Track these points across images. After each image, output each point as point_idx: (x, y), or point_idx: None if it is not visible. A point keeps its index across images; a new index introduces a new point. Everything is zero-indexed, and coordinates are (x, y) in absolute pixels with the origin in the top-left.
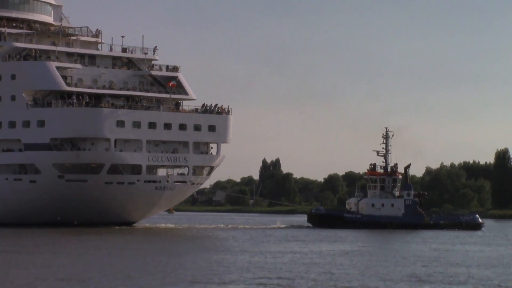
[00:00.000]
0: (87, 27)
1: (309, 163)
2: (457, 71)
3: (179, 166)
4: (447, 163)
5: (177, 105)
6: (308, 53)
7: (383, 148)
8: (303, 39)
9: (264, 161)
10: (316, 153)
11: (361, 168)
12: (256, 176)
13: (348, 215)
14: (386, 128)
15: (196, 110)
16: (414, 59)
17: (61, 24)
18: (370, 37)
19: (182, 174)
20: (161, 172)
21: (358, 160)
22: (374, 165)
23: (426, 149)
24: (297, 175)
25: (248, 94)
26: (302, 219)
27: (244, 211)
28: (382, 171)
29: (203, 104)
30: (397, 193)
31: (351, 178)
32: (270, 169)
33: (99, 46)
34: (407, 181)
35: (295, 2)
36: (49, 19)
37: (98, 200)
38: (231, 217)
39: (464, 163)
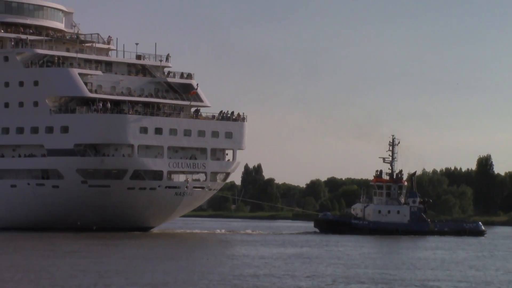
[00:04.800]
0: (98, 34)
1: (291, 169)
2: (439, 78)
3: (198, 172)
4: (429, 169)
5: (196, 111)
6: (294, 59)
7: (389, 155)
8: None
9: (246, 167)
10: (298, 158)
11: (343, 174)
12: (238, 182)
13: (355, 221)
14: (393, 135)
15: (213, 117)
16: (397, 66)
17: (77, 31)
18: (353, 44)
19: (197, 180)
20: (177, 178)
21: (341, 166)
22: (380, 172)
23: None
24: (279, 180)
25: (230, 100)
26: (302, 224)
27: (226, 216)
28: (388, 178)
29: (221, 111)
30: (402, 200)
31: (333, 183)
32: (252, 175)
33: (110, 53)
34: (413, 188)
35: (297, 8)
36: (60, 25)
37: (120, 205)
38: (235, 222)
39: (446, 169)
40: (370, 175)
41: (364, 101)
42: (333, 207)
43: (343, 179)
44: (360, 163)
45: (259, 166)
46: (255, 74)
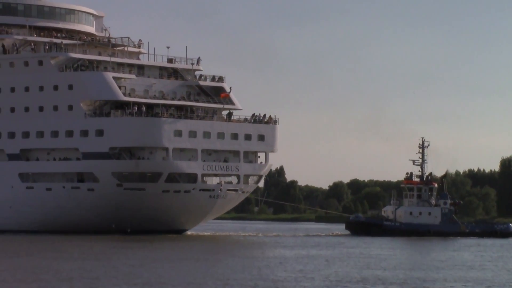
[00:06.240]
0: (128, 38)
1: (313, 171)
2: (461, 78)
3: (231, 175)
4: (452, 170)
5: (229, 115)
6: (309, 60)
7: (419, 157)
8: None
9: None
10: (321, 160)
11: (366, 175)
12: (260, 184)
13: (387, 223)
14: (422, 138)
15: (246, 119)
16: (416, 66)
17: (108, 35)
18: (365, 44)
19: (230, 182)
20: (210, 180)
21: (363, 167)
22: (411, 174)
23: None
24: (301, 182)
25: (254, 102)
26: (328, 227)
27: (249, 219)
28: (418, 180)
29: (253, 114)
30: (433, 202)
31: (356, 185)
32: (275, 177)
33: (141, 56)
34: (443, 190)
35: (323, 11)
36: (91, 29)
37: (155, 208)
38: (258, 224)
39: (469, 170)
40: (393, 177)
41: (388, 103)
42: (356, 209)
43: (366, 181)
44: (383, 165)
45: (281, 168)
46: (277, 77)
